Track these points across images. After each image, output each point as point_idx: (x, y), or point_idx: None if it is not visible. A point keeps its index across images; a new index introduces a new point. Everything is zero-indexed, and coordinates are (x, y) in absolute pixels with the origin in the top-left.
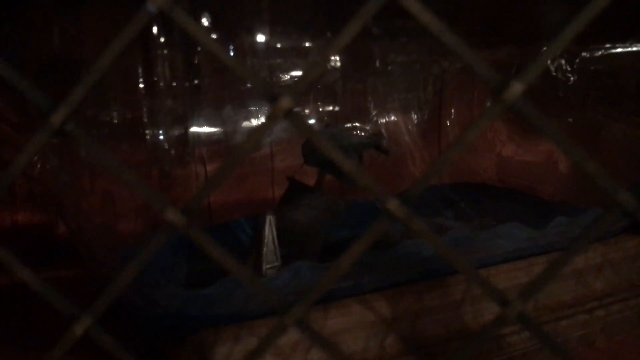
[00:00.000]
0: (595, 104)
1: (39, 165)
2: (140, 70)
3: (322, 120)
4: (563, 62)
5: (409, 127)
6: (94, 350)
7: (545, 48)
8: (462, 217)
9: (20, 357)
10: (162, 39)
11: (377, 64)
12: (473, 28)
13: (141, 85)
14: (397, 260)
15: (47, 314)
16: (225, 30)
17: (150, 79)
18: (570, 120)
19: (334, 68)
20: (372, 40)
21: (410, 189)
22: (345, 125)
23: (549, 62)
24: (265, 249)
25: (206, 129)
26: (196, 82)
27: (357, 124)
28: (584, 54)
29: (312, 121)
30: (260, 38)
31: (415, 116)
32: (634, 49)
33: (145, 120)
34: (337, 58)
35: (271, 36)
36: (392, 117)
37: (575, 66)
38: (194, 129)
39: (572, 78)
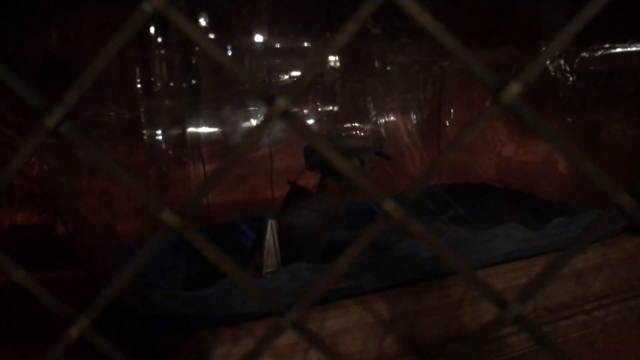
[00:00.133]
0: (594, 104)
1: (37, 166)
2: (137, 71)
3: (321, 120)
4: (562, 62)
5: (409, 127)
6: (94, 351)
7: (543, 49)
8: (458, 219)
9: (20, 357)
10: (159, 39)
11: (377, 64)
12: (472, 28)
13: (139, 86)
14: (396, 261)
15: (47, 314)
16: (224, 31)
17: (147, 79)
18: (570, 120)
19: (334, 68)
20: (371, 41)
21: (408, 191)
22: (347, 129)
23: (547, 62)
24: (266, 253)
25: (204, 129)
26: (194, 82)
27: (357, 124)
28: (583, 54)
29: (311, 121)
30: (259, 38)
31: (415, 116)
32: (633, 49)
33: (143, 120)
34: (337, 58)
35: (270, 37)
36: (392, 118)
37: (574, 66)
38: (192, 129)
39: (571, 78)
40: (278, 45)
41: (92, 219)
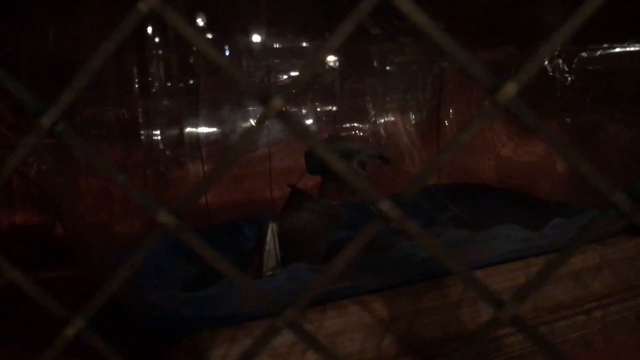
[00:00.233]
0: (593, 104)
1: (35, 166)
2: (135, 71)
3: (320, 120)
4: (561, 62)
5: (408, 127)
6: (92, 351)
7: (541, 48)
8: (456, 220)
9: (18, 357)
10: (157, 39)
11: (376, 64)
12: (471, 29)
13: (137, 86)
14: (394, 262)
15: (44, 314)
16: (222, 31)
17: (145, 79)
18: (568, 120)
19: (333, 68)
20: (370, 41)
21: (404, 191)
22: (346, 129)
23: (546, 62)
24: (266, 255)
25: (202, 130)
26: (192, 82)
27: (357, 124)
28: (581, 54)
29: (310, 121)
30: (257, 38)
31: (414, 116)
32: (632, 49)
33: (141, 120)
34: (336, 59)
35: (268, 36)
36: (391, 118)
37: (573, 66)
38: (190, 129)
39: (569, 78)
40: (277, 46)
41: (90, 219)
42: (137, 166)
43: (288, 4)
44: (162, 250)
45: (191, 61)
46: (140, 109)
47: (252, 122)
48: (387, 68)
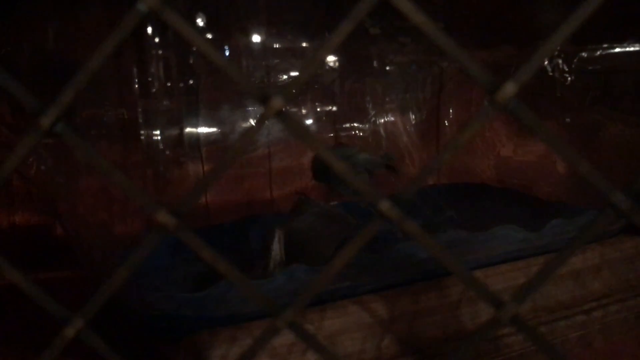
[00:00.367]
0: (592, 104)
1: (35, 167)
2: (135, 71)
3: (320, 120)
4: (560, 62)
5: (407, 127)
6: (92, 351)
7: (541, 48)
8: (453, 222)
9: (17, 357)
10: (156, 39)
11: (375, 64)
12: (471, 28)
13: (136, 86)
14: (394, 261)
15: (44, 314)
16: (221, 31)
17: (145, 79)
18: (568, 120)
19: (332, 68)
20: (370, 41)
21: (404, 191)
22: (346, 129)
23: (545, 62)
24: (272, 264)
25: (202, 130)
26: (192, 82)
27: (356, 124)
28: (581, 54)
29: (309, 121)
30: (257, 38)
31: (414, 116)
32: (632, 49)
33: (141, 120)
34: (335, 58)
35: (268, 36)
36: (391, 118)
37: (572, 66)
38: (190, 129)
39: (569, 78)
40: (276, 45)
41: (90, 219)
42: (136, 166)
43: (288, 4)
44: (162, 250)
45: (191, 61)
46: (139, 109)
47: (252, 122)
48: (387, 68)
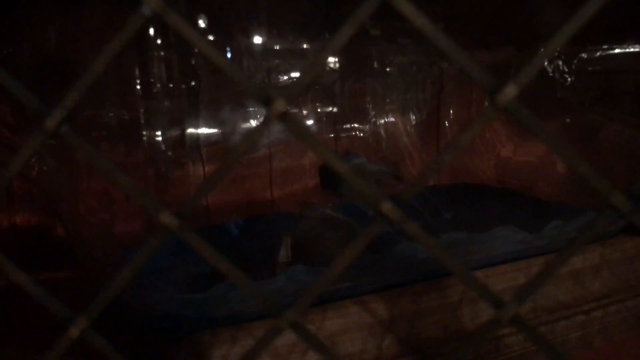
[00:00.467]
0: (592, 105)
1: (36, 167)
2: (137, 72)
3: (320, 120)
4: (560, 63)
5: (408, 128)
6: (94, 351)
7: (541, 50)
8: (450, 224)
9: (20, 358)
10: (158, 41)
11: (376, 65)
12: (471, 29)
13: (138, 87)
14: (395, 262)
15: (47, 315)
16: (222, 32)
17: (147, 80)
18: (568, 121)
19: (333, 69)
20: (370, 42)
21: (405, 192)
22: (346, 129)
23: (545, 63)
24: (279, 269)
25: (204, 130)
26: (193, 83)
27: (357, 125)
28: (581, 54)
29: (310, 122)
30: (258, 40)
31: (414, 117)
32: (632, 50)
33: (142, 121)
34: (336, 59)
35: (268, 38)
36: (391, 118)
37: (573, 67)
38: (191, 130)
39: (569, 79)
40: (277, 47)
41: (91, 220)
42: (138, 167)
43: (288, 5)
44: (163, 250)
45: (192, 62)
46: (141, 110)
47: (253, 123)
48: (387, 69)
